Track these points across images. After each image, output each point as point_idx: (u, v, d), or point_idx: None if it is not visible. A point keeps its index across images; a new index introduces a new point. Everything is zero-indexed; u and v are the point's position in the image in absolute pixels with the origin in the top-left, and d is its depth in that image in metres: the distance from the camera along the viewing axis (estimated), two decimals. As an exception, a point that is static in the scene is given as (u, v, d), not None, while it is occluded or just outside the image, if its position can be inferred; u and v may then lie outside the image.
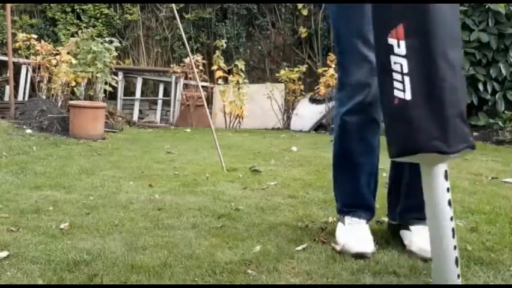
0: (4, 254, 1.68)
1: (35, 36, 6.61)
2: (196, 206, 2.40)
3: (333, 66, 6.71)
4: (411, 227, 1.81)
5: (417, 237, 1.76)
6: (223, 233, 1.98)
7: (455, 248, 1.28)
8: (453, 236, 1.27)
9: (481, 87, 6.25)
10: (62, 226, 2.02)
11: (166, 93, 7.99)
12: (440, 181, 1.27)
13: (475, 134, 5.93)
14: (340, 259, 1.68)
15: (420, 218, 1.78)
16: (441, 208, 1.27)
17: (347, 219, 1.88)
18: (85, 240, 1.87)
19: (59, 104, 6.18)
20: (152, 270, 1.56)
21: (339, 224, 1.92)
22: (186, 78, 7.59)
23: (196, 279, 1.52)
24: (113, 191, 2.73)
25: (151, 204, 2.46)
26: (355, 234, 1.80)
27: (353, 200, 1.91)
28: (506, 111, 6.15)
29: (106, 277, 1.52)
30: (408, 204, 1.85)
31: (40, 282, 1.47)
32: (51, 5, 8.58)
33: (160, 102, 7.98)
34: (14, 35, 6.60)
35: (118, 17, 8.65)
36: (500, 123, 5.99)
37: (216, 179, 3.10)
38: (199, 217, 2.21)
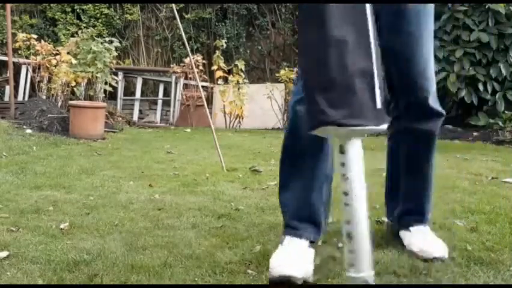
0: (4, 254, 1.68)
1: (35, 36, 6.61)
2: (196, 206, 2.40)
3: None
4: (411, 228, 1.79)
5: (417, 238, 1.74)
6: (223, 233, 1.98)
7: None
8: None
9: (481, 87, 6.25)
10: (62, 226, 2.02)
11: (166, 93, 7.99)
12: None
13: (475, 134, 5.93)
14: (340, 259, 1.68)
15: (420, 221, 1.79)
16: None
17: (286, 239, 1.63)
18: (85, 240, 1.87)
19: (59, 104, 6.18)
20: (152, 270, 1.56)
21: (278, 246, 1.64)
22: (186, 78, 7.59)
23: (196, 279, 1.52)
24: (113, 191, 2.73)
25: (151, 204, 2.46)
26: (287, 254, 1.54)
27: (298, 210, 1.66)
28: (506, 111, 6.15)
29: (106, 277, 1.52)
30: (408, 208, 1.82)
31: (40, 282, 1.47)
32: (51, 5, 8.58)
33: (160, 102, 7.98)
34: (14, 35, 6.60)
35: (118, 17, 8.65)
36: (500, 123, 5.98)
37: (216, 179, 3.10)
38: (199, 217, 2.21)
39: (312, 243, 1.64)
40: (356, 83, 1.13)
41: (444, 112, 1.74)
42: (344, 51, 1.13)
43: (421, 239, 1.72)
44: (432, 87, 1.70)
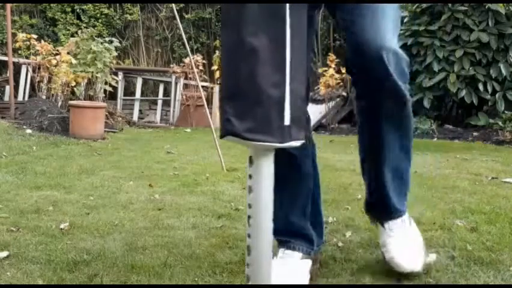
0: (4, 254, 1.68)
1: (35, 36, 6.61)
2: (196, 206, 2.40)
3: (333, 66, 6.72)
4: (385, 225, 1.57)
5: (389, 242, 1.54)
6: (223, 233, 1.98)
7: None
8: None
9: (481, 87, 6.25)
10: (62, 226, 2.02)
11: (166, 93, 7.99)
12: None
13: (475, 134, 5.93)
14: (340, 259, 1.68)
15: (389, 216, 1.57)
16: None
17: (280, 251, 1.56)
18: (85, 240, 1.87)
19: (59, 104, 6.18)
20: (152, 270, 1.56)
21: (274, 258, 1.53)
22: (186, 78, 7.59)
23: (196, 279, 1.52)
24: (113, 191, 2.73)
25: (151, 204, 2.46)
26: (282, 270, 1.48)
27: (284, 227, 1.54)
28: (506, 111, 6.15)
29: (106, 277, 1.52)
30: (371, 200, 1.61)
31: (40, 282, 1.47)
32: (51, 5, 8.58)
33: (160, 102, 7.98)
34: (14, 35, 6.60)
35: (118, 17, 8.65)
36: (500, 123, 5.99)
37: (216, 179, 3.10)
38: (199, 217, 2.21)
39: (309, 254, 1.56)
40: (264, 96, 1.04)
41: (408, 97, 1.42)
42: (255, 61, 1.04)
43: (393, 244, 1.52)
44: (394, 58, 1.35)
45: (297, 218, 1.56)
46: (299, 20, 1.08)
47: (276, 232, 1.48)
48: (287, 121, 1.05)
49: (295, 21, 1.06)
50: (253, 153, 1.09)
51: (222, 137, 1.08)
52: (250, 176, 1.10)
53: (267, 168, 1.09)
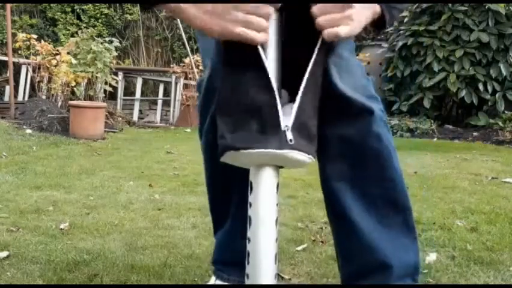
0: (4, 254, 1.68)
1: (35, 36, 6.61)
2: (196, 206, 2.40)
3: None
4: None
5: None
6: (223, 233, 1.98)
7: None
8: (275, 263, 0.99)
9: (481, 87, 6.26)
10: (62, 226, 2.02)
11: (166, 93, 7.99)
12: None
13: (475, 134, 5.94)
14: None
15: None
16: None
17: (211, 280, 1.39)
18: (85, 240, 1.87)
19: (59, 104, 6.18)
20: (152, 270, 1.56)
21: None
22: (186, 78, 7.59)
23: (196, 279, 1.52)
24: (113, 191, 2.73)
25: (151, 204, 2.46)
26: None
27: (223, 253, 1.36)
28: (506, 111, 6.16)
29: (106, 277, 1.52)
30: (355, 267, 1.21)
31: (40, 282, 1.47)
32: (51, 5, 8.58)
33: (160, 102, 7.98)
34: (14, 35, 6.60)
35: (118, 17, 8.65)
36: (500, 123, 5.99)
37: (216, 179, 3.10)
38: (199, 217, 2.21)
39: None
40: (253, 103, 0.94)
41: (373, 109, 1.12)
42: (239, 69, 0.95)
43: None
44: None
45: (242, 241, 1.23)
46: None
47: (213, 258, 1.37)
48: (283, 126, 0.92)
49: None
50: (252, 174, 0.97)
51: (220, 156, 0.97)
52: (250, 205, 0.97)
53: (268, 184, 0.96)
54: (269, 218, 0.96)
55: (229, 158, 0.97)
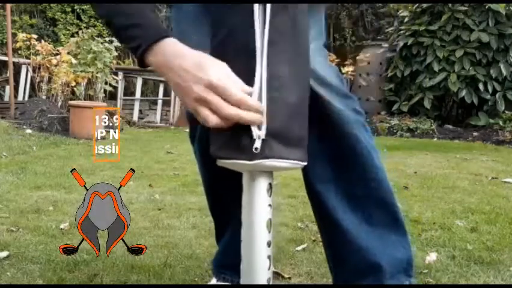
0: (4, 254, 1.68)
1: (35, 36, 6.62)
2: (196, 206, 2.40)
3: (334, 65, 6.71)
4: None
5: None
6: (223, 233, 1.98)
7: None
8: (268, 268, 0.98)
9: (481, 87, 6.26)
10: (62, 226, 2.02)
11: (166, 93, 7.99)
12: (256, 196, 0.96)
13: (475, 134, 5.94)
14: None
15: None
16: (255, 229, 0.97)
17: (213, 281, 1.38)
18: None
19: (59, 104, 6.18)
20: (152, 270, 1.56)
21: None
22: (186, 78, 7.58)
23: (196, 279, 1.52)
24: (113, 191, 2.73)
25: (151, 204, 2.46)
26: None
27: (226, 257, 1.35)
28: (506, 111, 6.16)
29: (106, 277, 1.52)
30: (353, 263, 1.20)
31: (40, 282, 1.47)
32: (51, 5, 8.58)
33: (160, 102, 7.98)
34: (14, 35, 6.60)
35: (118, 17, 8.65)
36: (500, 123, 5.99)
37: (216, 179, 3.10)
38: (199, 217, 2.21)
39: None
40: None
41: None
42: None
43: None
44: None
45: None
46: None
47: (216, 260, 1.37)
48: (256, 135, 0.88)
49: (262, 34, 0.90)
50: (244, 177, 0.96)
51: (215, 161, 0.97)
52: (244, 194, 0.96)
53: (259, 189, 0.94)
54: (258, 221, 0.95)
55: (221, 164, 0.96)
